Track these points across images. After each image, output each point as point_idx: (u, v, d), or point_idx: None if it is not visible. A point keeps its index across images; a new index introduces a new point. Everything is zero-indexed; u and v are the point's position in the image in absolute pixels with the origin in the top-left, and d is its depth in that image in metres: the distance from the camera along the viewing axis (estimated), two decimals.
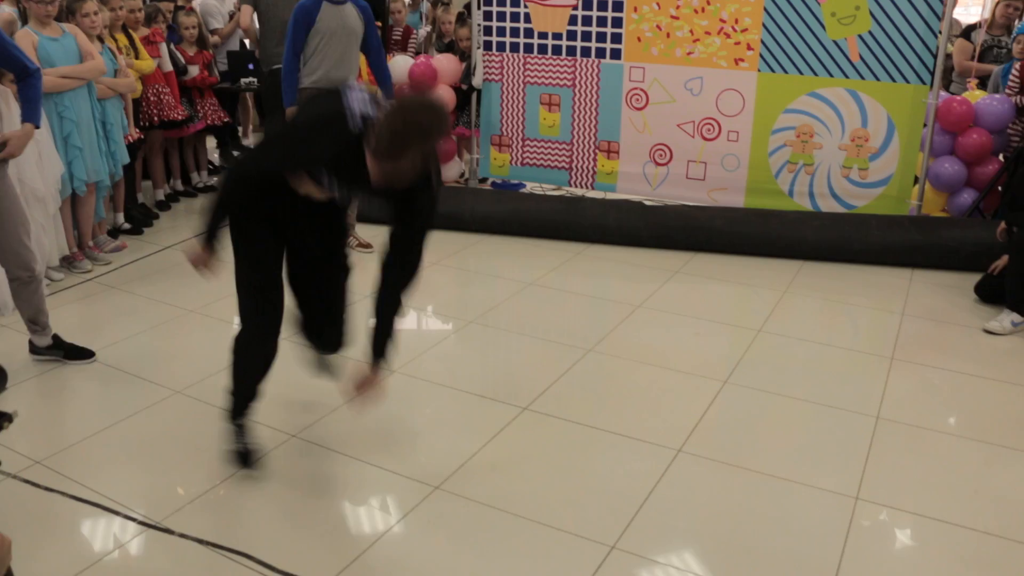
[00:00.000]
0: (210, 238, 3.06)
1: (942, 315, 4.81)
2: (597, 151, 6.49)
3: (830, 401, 3.83)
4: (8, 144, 3.75)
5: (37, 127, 3.84)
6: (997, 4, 6.67)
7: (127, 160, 5.58)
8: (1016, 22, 6.72)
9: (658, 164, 6.35)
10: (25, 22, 5.06)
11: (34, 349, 4.14)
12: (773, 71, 5.90)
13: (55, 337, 4.12)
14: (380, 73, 5.65)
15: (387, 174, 2.65)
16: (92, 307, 4.83)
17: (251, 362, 3.22)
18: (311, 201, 3.01)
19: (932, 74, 5.59)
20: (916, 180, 5.90)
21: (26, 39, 4.85)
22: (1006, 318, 4.55)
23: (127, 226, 5.98)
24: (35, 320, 4.07)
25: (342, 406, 3.65)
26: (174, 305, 4.80)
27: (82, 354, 4.13)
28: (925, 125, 5.74)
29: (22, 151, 3.84)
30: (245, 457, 3.27)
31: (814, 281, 5.31)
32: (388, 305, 3.00)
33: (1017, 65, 5.89)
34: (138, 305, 4.82)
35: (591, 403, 3.81)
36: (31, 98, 3.80)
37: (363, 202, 3.08)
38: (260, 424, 3.51)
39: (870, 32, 5.64)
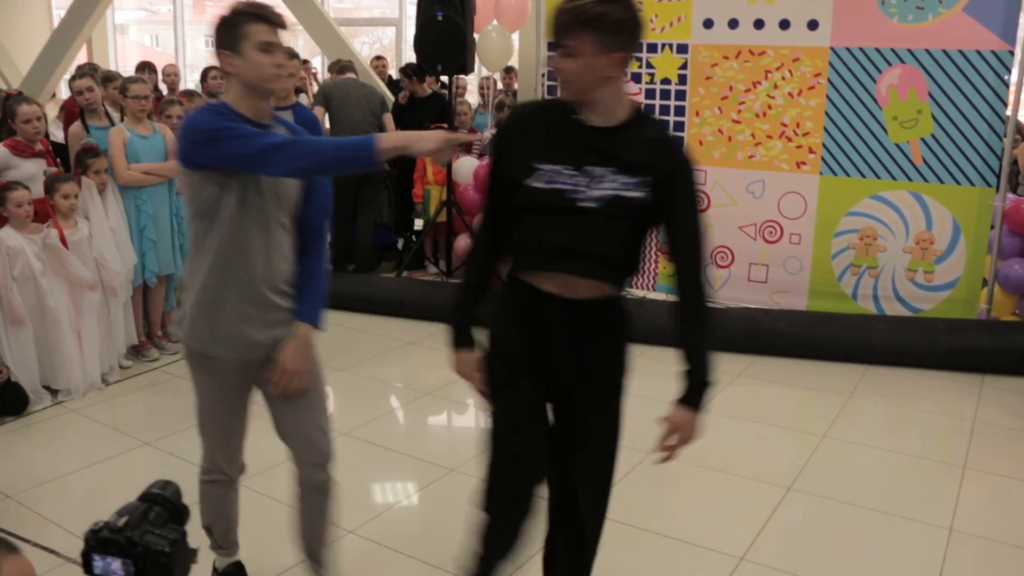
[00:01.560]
0: (459, 335, 2.57)
1: (1016, 423, 4.65)
2: (659, 253, 6.51)
3: (899, 511, 3.71)
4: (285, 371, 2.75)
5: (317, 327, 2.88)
6: None
7: None
8: None
9: (720, 266, 6.34)
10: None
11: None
12: (835, 174, 5.90)
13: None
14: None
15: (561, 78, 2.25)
16: (157, 396, 4.92)
17: (490, 538, 2.56)
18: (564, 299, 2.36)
19: (998, 176, 5.54)
20: (984, 283, 5.80)
21: (118, 135, 5.16)
22: None
23: None
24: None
25: (402, 501, 3.64)
26: None
27: None
28: (992, 227, 5.67)
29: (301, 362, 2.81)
30: None
31: (880, 386, 5.19)
32: (690, 331, 2.41)
33: None
34: None
35: (651, 508, 3.73)
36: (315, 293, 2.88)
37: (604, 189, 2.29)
38: None
39: (932, 135, 5.64)
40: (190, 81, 11.39)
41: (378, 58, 9.66)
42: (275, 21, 2.48)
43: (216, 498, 2.91)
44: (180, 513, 1.70)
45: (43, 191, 4.88)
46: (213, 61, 6.62)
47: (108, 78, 6.19)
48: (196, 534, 1.86)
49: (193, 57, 13.70)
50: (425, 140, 2.33)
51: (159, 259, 5.36)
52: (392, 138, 2.42)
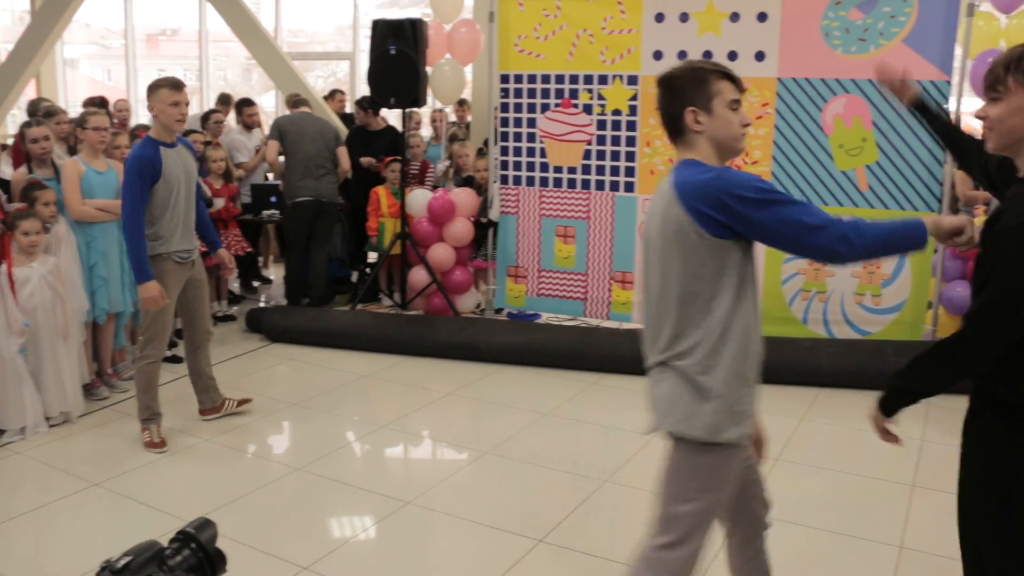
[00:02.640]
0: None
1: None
2: (612, 281, 6.56)
3: (851, 531, 3.76)
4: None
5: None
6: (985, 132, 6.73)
7: None
8: None
9: None
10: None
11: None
12: None
13: None
14: (202, 225, 4.93)
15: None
16: (107, 434, 4.83)
17: None
18: None
19: (940, 201, 5.68)
20: (929, 305, 5.92)
21: (73, 168, 5.13)
22: None
23: (168, 354, 6.05)
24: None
25: (359, 535, 3.61)
26: (189, 433, 4.80)
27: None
28: (936, 251, 5.80)
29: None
30: None
31: (831, 408, 5.27)
32: None
33: None
34: None
35: (608, 535, 3.74)
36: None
37: None
38: (269, 555, 3.47)
39: (877, 162, 5.77)
40: (142, 116, 11.33)
41: (337, 92, 9.67)
42: (740, 81, 2.44)
43: None
44: (212, 561, 1.45)
45: None
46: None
47: (49, 113, 6.11)
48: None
49: (145, 92, 13.61)
50: (950, 219, 2.25)
51: (109, 296, 5.30)
52: (933, 221, 2.25)
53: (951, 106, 5.61)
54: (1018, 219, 2.05)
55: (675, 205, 2.31)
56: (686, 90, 2.38)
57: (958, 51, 5.67)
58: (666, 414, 2.44)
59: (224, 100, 8.72)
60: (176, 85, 4.49)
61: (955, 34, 5.57)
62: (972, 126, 6.23)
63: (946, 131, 2.97)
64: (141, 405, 4.68)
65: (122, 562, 1.33)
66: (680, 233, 2.31)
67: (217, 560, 1.44)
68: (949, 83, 5.56)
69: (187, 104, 4.55)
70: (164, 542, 1.41)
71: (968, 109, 6.07)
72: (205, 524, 1.46)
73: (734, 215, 2.26)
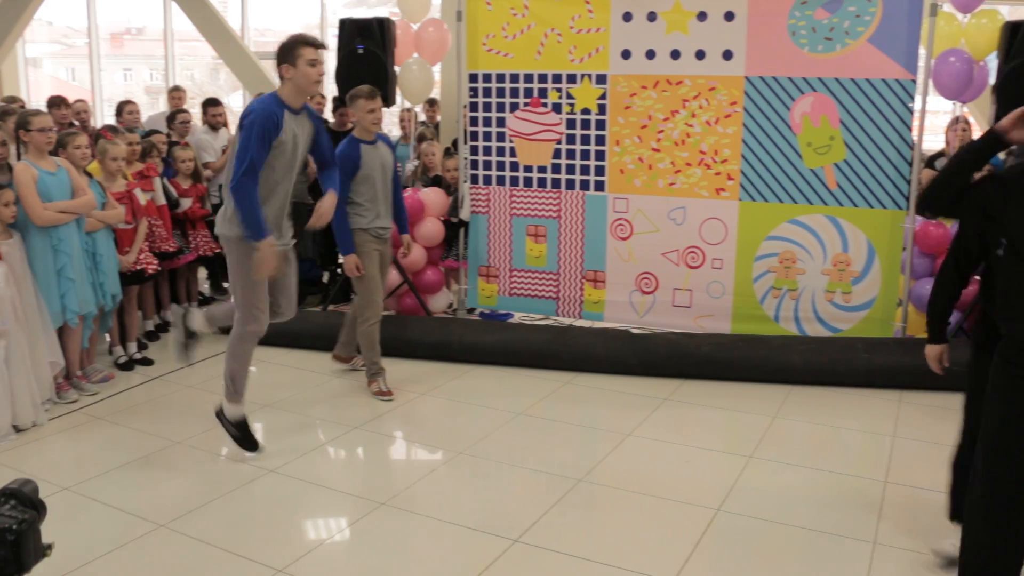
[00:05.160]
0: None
1: (933, 436, 4.79)
2: (584, 280, 6.57)
3: (825, 527, 3.78)
4: (321, 213, 4.70)
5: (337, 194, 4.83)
6: (947, 131, 6.78)
7: (117, 291, 5.61)
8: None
9: (644, 292, 6.42)
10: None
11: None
12: (754, 200, 6.04)
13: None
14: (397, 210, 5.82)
15: None
16: (77, 438, 4.77)
17: None
18: None
19: (907, 199, 5.74)
20: (899, 302, 5.98)
21: (26, 172, 4.97)
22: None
23: (139, 356, 6.00)
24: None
25: (334, 537, 3.59)
26: (160, 436, 4.75)
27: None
28: (904, 248, 5.86)
29: (330, 216, 4.78)
30: None
31: (803, 405, 5.31)
32: None
33: None
34: (124, 436, 4.77)
35: (582, 534, 3.74)
36: (334, 177, 4.88)
37: None
38: (243, 558, 3.44)
39: (845, 161, 5.82)
40: (108, 115, 11.19)
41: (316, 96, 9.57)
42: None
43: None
44: (36, 508, 1.90)
45: None
46: (130, 95, 6.45)
47: (6, 113, 5.99)
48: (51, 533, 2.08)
49: (111, 91, 13.45)
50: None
51: (79, 298, 5.20)
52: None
53: (916, 105, 5.67)
54: None
55: None
56: None
57: (922, 50, 5.74)
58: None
59: (176, 89, 8.64)
60: (371, 95, 5.43)
61: (919, 33, 5.63)
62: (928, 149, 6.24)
63: None
64: (368, 362, 5.52)
65: None
66: None
67: (40, 507, 1.94)
68: (914, 82, 5.62)
69: (381, 109, 5.53)
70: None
71: (932, 108, 6.14)
72: (26, 482, 1.96)
73: None
